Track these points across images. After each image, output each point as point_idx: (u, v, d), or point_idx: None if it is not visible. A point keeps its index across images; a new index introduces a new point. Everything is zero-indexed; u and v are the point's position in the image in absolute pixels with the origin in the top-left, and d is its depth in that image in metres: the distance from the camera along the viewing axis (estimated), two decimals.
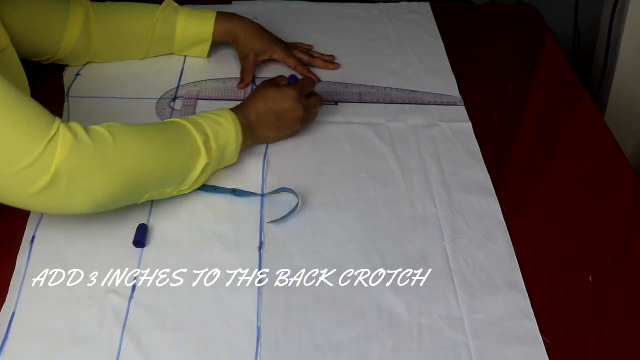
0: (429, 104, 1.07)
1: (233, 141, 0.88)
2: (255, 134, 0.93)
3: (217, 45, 1.15)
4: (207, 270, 0.80)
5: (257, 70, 1.13)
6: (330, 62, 1.16)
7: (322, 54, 1.17)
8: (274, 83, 0.97)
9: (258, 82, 1.11)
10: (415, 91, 1.09)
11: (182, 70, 1.13)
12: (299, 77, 1.04)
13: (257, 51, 1.12)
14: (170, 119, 0.87)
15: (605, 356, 0.73)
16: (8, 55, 0.92)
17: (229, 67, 1.15)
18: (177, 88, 1.09)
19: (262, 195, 0.89)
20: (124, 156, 0.77)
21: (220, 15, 1.11)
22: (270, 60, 1.14)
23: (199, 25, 1.11)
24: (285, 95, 0.94)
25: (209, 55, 1.15)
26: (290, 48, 1.15)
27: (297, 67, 1.13)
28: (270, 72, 1.14)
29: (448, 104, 1.07)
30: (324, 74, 1.14)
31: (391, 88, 1.10)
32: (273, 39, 1.14)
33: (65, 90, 1.07)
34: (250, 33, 1.12)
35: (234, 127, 0.88)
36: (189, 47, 1.13)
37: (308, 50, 1.18)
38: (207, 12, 1.11)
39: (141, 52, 1.12)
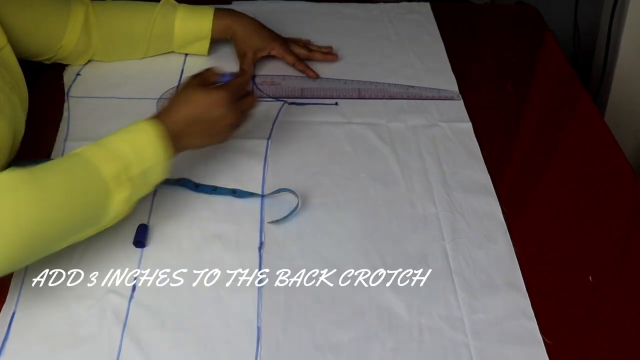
0: (427, 98, 1.07)
1: (161, 161, 0.78)
2: (181, 145, 0.82)
3: (217, 43, 1.15)
4: (207, 270, 0.80)
5: (257, 68, 1.13)
6: (329, 53, 1.16)
7: (320, 47, 1.17)
8: (201, 81, 0.85)
9: (258, 80, 1.11)
10: (414, 86, 1.09)
11: (182, 70, 1.13)
12: (230, 77, 0.89)
13: (255, 48, 1.12)
14: (78, 151, 0.75)
15: (605, 356, 0.73)
16: (5, 55, 0.92)
17: (229, 66, 1.15)
18: (177, 88, 1.09)
19: (262, 196, 0.89)
20: (15, 221, 0.67)
21: (218, 11, 1.11)
22: (269, 57, 1.14)
23: (198, 22, 1.10)
24: (215, 101, 0.82)
25: (209, 53, 1.15)
26: (288, 43, 1.15)
27: (295, 63, 1.13)
28: (269, 69, 1.14)
29: (446, 99, 1.07)
30: (323, 72, 1.13)
31: (389, 84, 1.10)
32: (271, 34, 1.14)
33: (65, 90, 1.07)
34: (248, 29, 1.12)
35: (160, 146, 0.77)
36: (188, 44, 1.13)
37: (306, 44, 1.18)
38: (205, 9, 1.11)
39: (140, 51, 1.12)
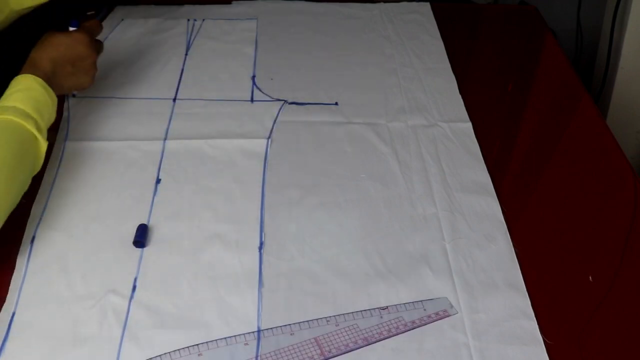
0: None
1: (53, 104, 0.87)
2: (56, 87, 0.89)
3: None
4: (207, 270, 0.80)
5: (255, 67, 1.13)
6: None
7: None
8: (57, 28, 0.93)
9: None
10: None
11: (182, 70, 1.14)
12: (77, 23, 0.96)
13: None
14: (1, 119, 0.82)
15: (605, 356, 0.73)
16: None
17: (228, 66, 1.15)
18: (177, 88, 1.09)
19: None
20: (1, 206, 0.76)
21: None
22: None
23: None
24: (77, 40, 0.91)
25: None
26: None
27: None
28: (269, 69, 1.14)
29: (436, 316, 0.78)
30: (322, 70, 1.13)
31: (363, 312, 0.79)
32: None
33: None
34: None
35: (48, 93, 0.86)
36: None
37: None
38: None
39: None
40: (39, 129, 0.83)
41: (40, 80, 0.86)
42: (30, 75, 0.86)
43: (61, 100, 1.04)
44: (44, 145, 0.83)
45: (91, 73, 0.95)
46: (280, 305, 0.76)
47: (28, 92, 0.85)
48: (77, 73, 0.92)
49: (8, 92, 0.85)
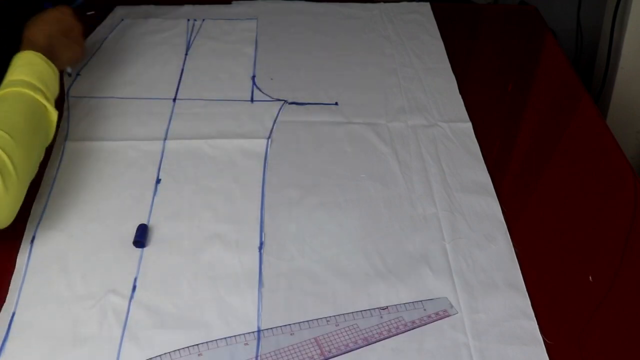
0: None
1: (55, 76, 0.91)
2: (56, 60, 0.93)
3: None
4: (207, 270, 0.80)
5: (256, 68, 1.13)
6: None
7: None
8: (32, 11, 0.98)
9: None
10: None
11: (182, 70, 1.14)
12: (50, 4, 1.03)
13: None
14: (8, 91, 0.85)
15: (605, 356, 0.73)
16: None
17: (228, 66, 1.15)
18: (177, 88, 1.09)
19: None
20: (22, 175, 0.79)
21: None
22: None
23: None
24: (64, 12, 0.98)
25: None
26: None
27: None
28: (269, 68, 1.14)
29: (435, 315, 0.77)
30: (322, 69, 1.13)
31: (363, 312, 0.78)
32: None
33: (65, 90, 1.07)
34: None
35: (47, 64, 0.90)
36: None
37: None
38: None
39: None
40: (47, 99, 0.87)
41: (40, 54, 0.90)
42: (30, 50, 0.90)
43: (61, 99, 1.05)
44: (54, 114, 0.87)
45: (81, 42, 1.00)
46: (280, 305, 0.76)
47: (31, 67, 0.89)
48: (70, 44, 0.98)
49: (11, 68, 0.88)
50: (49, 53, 0.92)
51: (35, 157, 0.84)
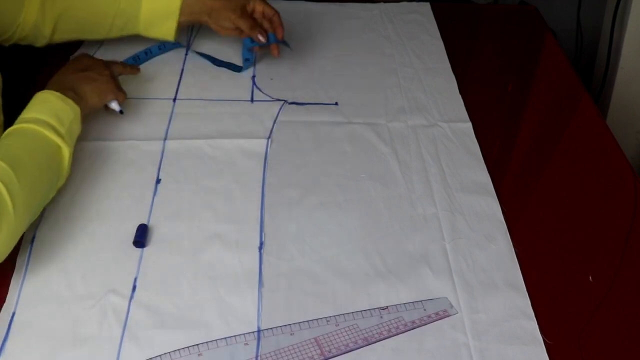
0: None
1: (76, 116, 0.89)
2: (83, 102, 0.92)
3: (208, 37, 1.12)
4: (207, 270, 0.80)
5: (256, 68, 1.13)
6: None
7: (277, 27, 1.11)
8: None
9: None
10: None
11: (182, 70, 1.14)
12: None
13: (241, 5, 1.08)
14: (17, 127, 0.84)
15: (605, 356, 0.73)
16: None
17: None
18: (177, 88, 1.09)
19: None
20: (21, 213, 0.76)
21: None
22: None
23: (166, 0, 1.08)
24: (77, 57, 1.00)
25: (176, 38, 1.11)
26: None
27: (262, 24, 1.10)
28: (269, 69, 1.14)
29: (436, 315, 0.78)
30: (323, 70, 1.13)
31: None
32: None
33: None
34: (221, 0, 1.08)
35: (68, 104, 0.88)
36: (154, 24, 1.09)
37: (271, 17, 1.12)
38: None
39: (104, 30, 1.09)
40: (59, 135, 0.84)
41: (55, 92, 0.88)
42: (45, 90, 0.89)
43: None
44: (66, 151, 0.84)
45: (105, 73, 0.97)
46: (280, 305, 0.76)
47: (45, 104, 0.87)
48: (94, 78, 0.95)
49: (26, 107, 0.87)
50: (69, 92, 0.90)
51: (40, 195, 0.81)
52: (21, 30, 1.04)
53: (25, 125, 0.83)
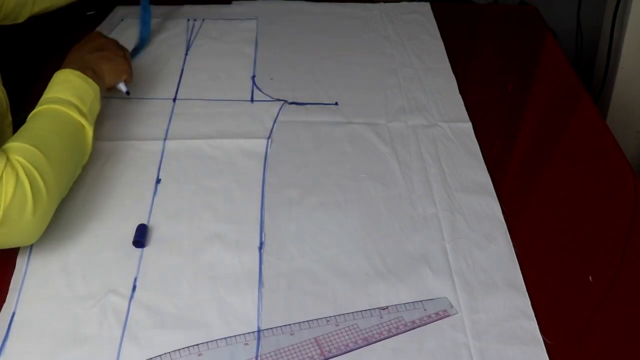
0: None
1: (96, 94, 0.91)
2: (100, 79, 0.94)
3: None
4: (207, 270, 0.80)
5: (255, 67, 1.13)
6: None
7: None
8: None
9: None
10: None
11: (182, 70, 1.14)
12: None
13: None
14: (43, 108, 0.86)
15: (605, 356, 0.73)
16: None
17: (228, 66, 1.15)
18: (177, 88, 1.09)
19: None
20: (53, 193, 0.79)
21: None
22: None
23: None
24: (92, 35, 1.01)
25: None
26: None
27: None
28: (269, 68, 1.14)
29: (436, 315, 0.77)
30: (322, 69, 1.13)
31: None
32: None
33: None
34: None
35: (89, 82, 0.90)
36: None
37: None
38: None
39: None
40: (82, 115, 0.86)
41: (76, 72, 0.90)
42: (65, 69, 0.91)
43: None
44: (89, 130, 0.86)
45: (119, 53, 0.99)
46: (280, 305, 0.76)
47: (67, 84, 0.88)
48: (110, 57, 0.97)
49: (48, 87, 0.88)
50: (88, 70, 0.92)
51: (68, 174, 0.83)
52: (6, 7, 1.04)
53: (50, 106, 0.85)
